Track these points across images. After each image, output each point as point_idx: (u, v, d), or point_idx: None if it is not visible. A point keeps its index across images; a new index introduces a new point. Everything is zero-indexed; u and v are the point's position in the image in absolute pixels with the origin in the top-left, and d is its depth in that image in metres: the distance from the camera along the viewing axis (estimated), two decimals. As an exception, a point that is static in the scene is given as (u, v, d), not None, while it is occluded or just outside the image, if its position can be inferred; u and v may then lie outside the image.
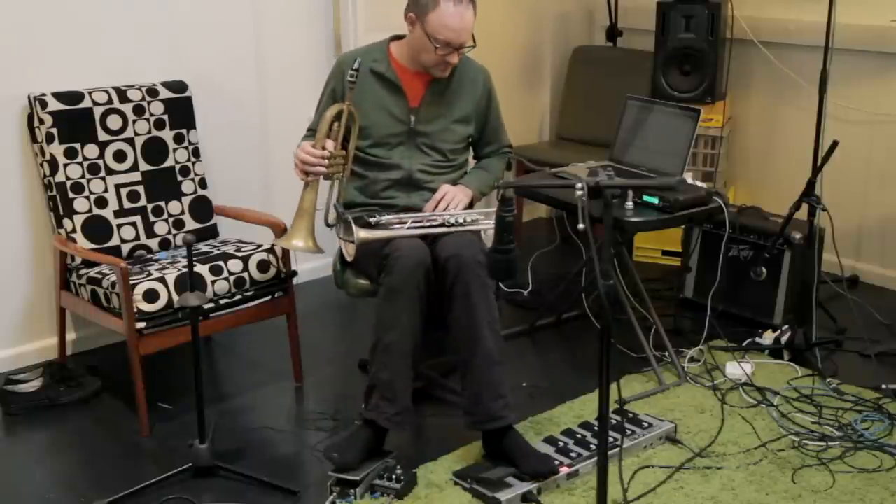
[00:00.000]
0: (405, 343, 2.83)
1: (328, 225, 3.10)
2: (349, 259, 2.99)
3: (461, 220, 3.00)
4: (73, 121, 3.38)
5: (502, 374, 2.87)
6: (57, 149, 3.35)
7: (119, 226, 3.45)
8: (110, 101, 3.47)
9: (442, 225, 2.99)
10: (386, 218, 3.00)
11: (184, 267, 3.17)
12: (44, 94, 3.35)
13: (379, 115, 3.12)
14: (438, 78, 3.13)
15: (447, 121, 3.18)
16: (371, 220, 2.98)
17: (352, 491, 2.70)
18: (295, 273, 3.42)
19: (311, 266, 4.27)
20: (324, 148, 2.98)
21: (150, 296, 3.08)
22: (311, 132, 3.18)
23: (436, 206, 3.08)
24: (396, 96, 3.13)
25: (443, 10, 2.95)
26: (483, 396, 2.84)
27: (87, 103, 3.42)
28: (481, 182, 3.24)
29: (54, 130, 3.35)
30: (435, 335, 2.93)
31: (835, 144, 3.46)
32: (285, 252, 3.37)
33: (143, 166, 3.53)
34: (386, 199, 3.14)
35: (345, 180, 3.10)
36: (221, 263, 3.27)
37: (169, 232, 3.57)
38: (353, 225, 2.89)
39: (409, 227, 2.95)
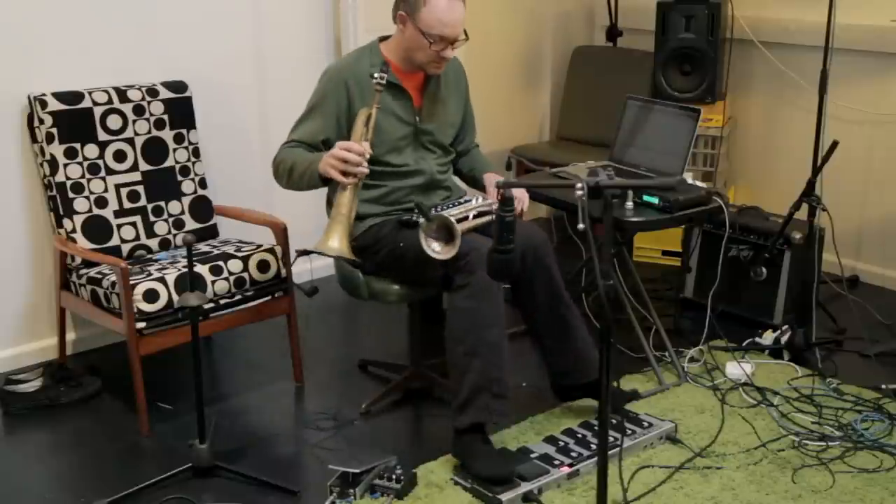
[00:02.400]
0: (505, 337, 2.88)
1: (347, 261, 2.93)
2: (446, 257, 2.78)
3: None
4: (73, 121, 3.38)
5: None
6: (57, 149, 3.35)
7: (119, 226, 3.45)
8: (110, 101, 3.47)
9: (489, 212, 2.94)
10: (446, 211, 2.86)
11: (184, 267, 3.17)
12: (44, 94, 3.35)
13: (387, 120, 3.06)
14: (431, 74, 3.12)
15: (445, 116, 3.18)
16: (432, 212, 2.83)
17: (352, 491, 2.70)
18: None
19: (310, 266, 4.26)
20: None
21: (150, 296, 3.08)
22: (296, 143, 3.07)
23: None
24: (401, 98, 3.09)
25: (434, 5, 2.93)
26: (590, 350, 3.08)
27: (87, 103, 3.42)
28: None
29: (54, 130, 3.35)
30: (433, 336, 2.93)
31: (835, 144, 3.46)
32: (285, 252, 3.37)
33: (143, 166, 3.54)
34: (410, 205, 3.08)
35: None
36: (221, 263, 3.27)
37: (169, 232, 3.57)
38: (451, 220, 2.75)
39: (474, 218, 2.92)
